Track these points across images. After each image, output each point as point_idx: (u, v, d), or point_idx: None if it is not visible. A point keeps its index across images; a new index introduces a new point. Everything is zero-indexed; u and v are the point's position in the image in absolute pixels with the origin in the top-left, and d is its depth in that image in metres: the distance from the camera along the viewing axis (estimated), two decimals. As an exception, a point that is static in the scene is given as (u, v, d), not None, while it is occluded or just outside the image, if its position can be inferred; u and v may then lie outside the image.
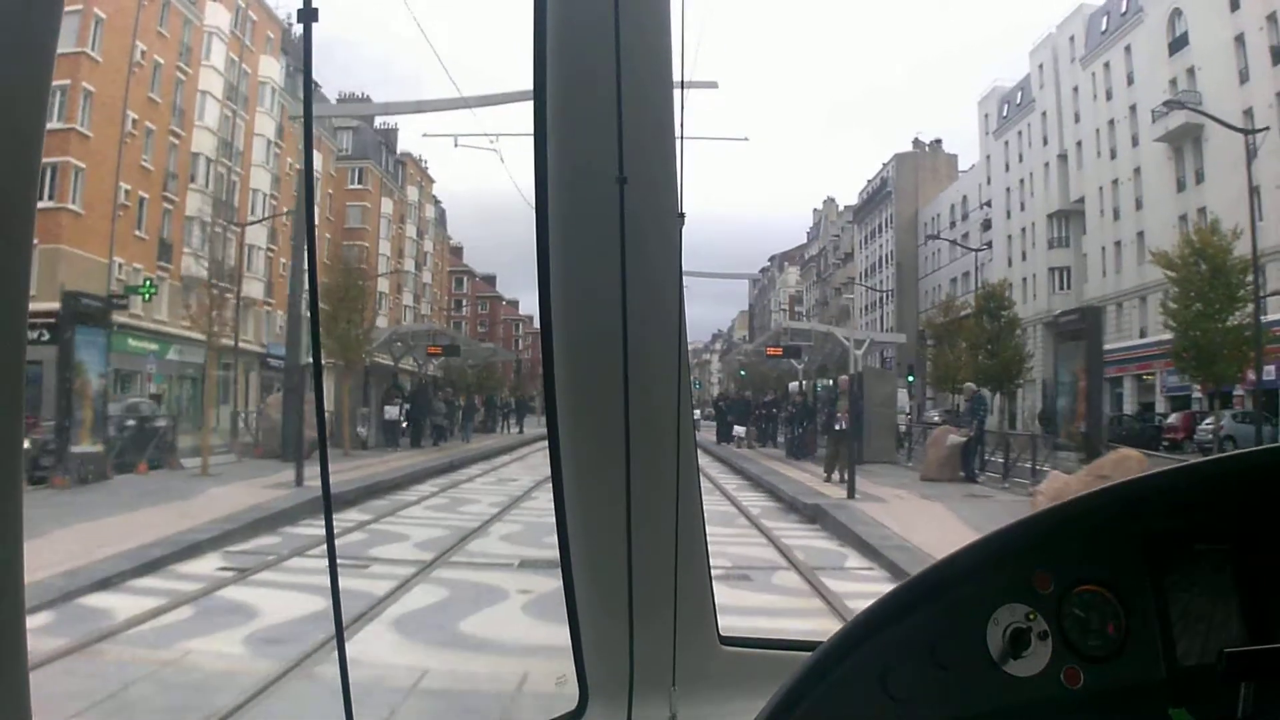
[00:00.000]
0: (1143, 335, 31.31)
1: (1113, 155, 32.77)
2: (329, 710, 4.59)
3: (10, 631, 1.21)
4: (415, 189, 48.97)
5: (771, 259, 62.88)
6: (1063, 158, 35.68)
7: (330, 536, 1.41)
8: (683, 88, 1.65)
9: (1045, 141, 36.60)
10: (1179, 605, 1.02)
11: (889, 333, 29.86)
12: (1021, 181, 37.57)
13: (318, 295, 1.77)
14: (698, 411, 38.56)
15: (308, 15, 1.31)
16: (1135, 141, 31.62)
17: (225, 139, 37.07)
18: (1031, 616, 1.03)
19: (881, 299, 46.94)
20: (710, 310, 60.68)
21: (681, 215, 1.71)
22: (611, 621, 1.69)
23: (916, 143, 49.03)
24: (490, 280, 58.48)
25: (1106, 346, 34.42)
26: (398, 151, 48.85)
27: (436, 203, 52.35)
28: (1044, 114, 36.66)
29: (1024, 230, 37.20)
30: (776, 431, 24.31)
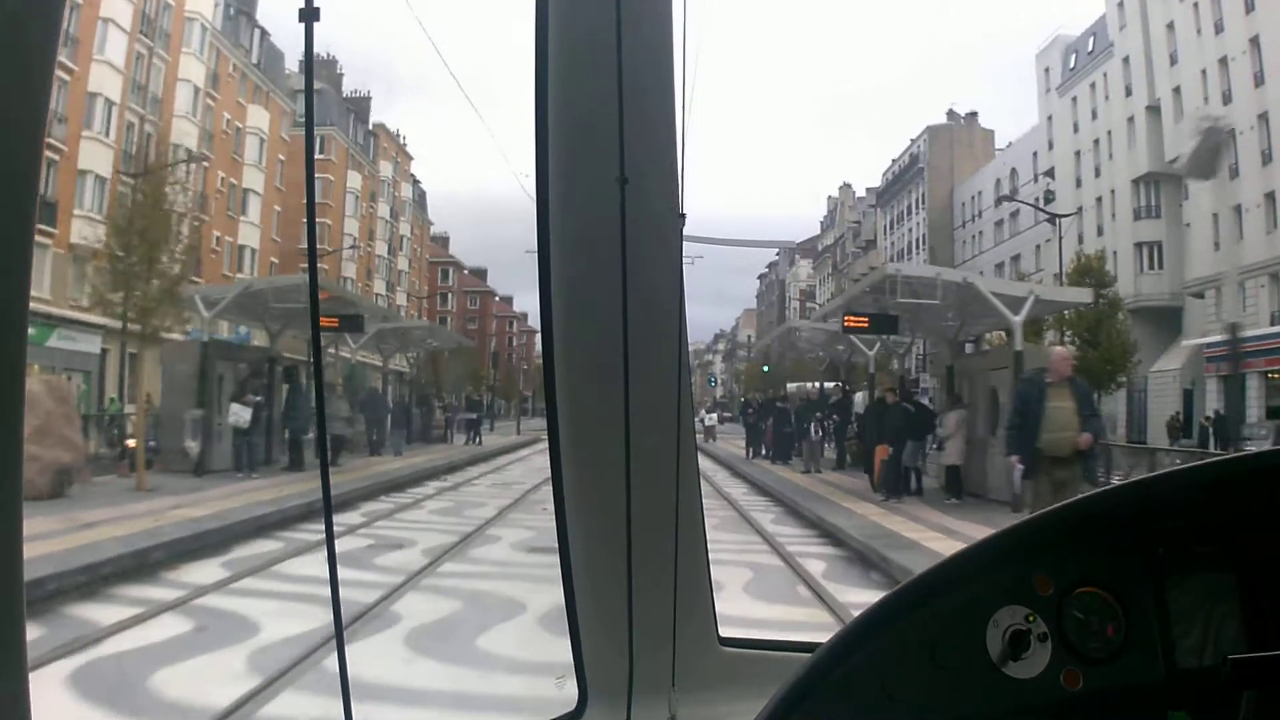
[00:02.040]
0: (1276, 322, 22.09)
1: (1226, 100, 23.86)
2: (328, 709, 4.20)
3: (10, 631, 1.18)
4: (389, 165, 39.97)
5: (781, 252, 54.28)
6: (1154, 110, 27.04)
7: (330, 537, 1.49)
8: (684, 87, 1.59)
9: (1129, 92, 28.20)
10: (1179, 607, 1.01)
11: (1066, 288, 21.27)
12: (1096, 142, 29.33)
13: (317, 296, 2.07)
14: (714, 416, 30.30)
15: (309, 15, 1.28)
16: (1260, 79, 22.61)
17: (137, 81, 27.32)
18: (1031, 618, 1.01)
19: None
20: (711, 311, 57.29)
21: (682, 215, 1.64)
22: (611, 622, 1.65)
23: (951, 114, 40.30)
24: (481, 274, 49.69)
25: (1221, 338, 25.16)
26: (370, 122, 39.37)
27: (416, 182, 44.07)
28: (1126, 60, 28.10)
29: (1099, 200, 28.82)
30: (823, 447, 15.89)
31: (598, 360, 1.62)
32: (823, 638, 1.05)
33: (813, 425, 18.49)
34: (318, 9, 1.24)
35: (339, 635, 1.40)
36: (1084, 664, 1.00)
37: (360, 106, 42.86)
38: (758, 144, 59.04)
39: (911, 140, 46.27)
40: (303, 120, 40.89)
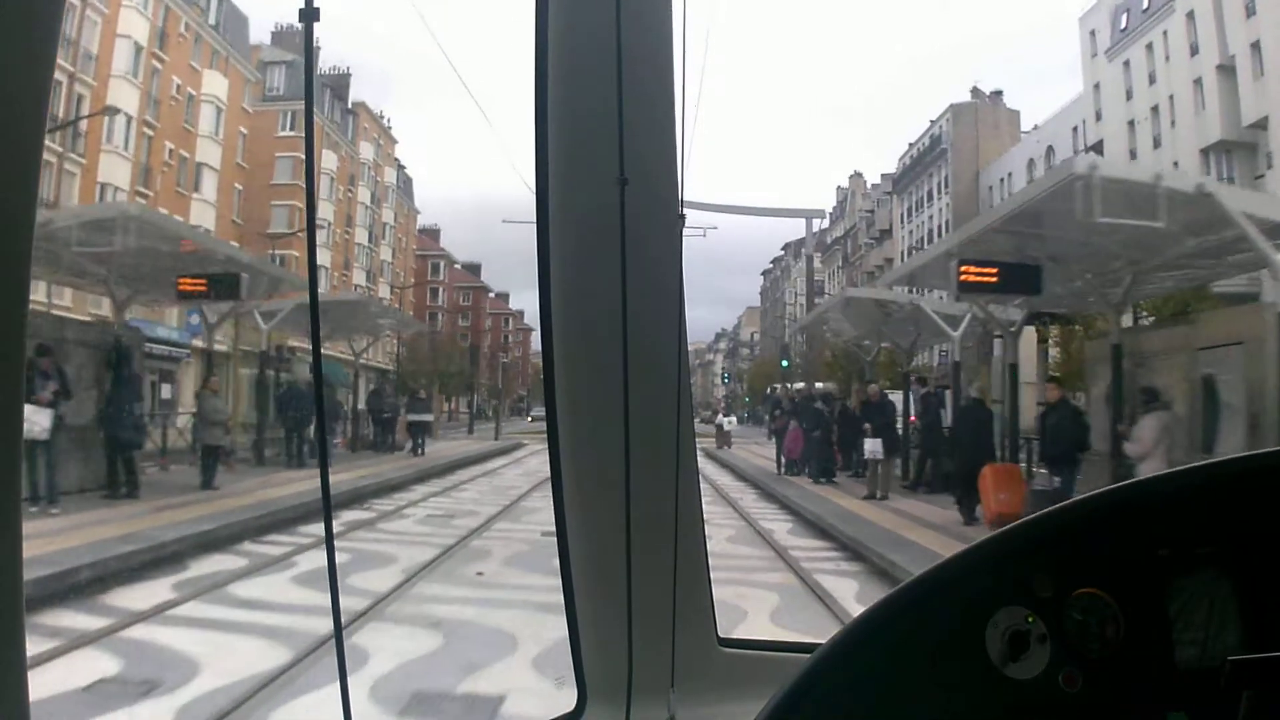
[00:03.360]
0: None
1: (1319, 52, 19.48)
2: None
3: (10, 630, 1.19)
4: (371, 146, 35.29)
5: (785, 246, 51.96)
6: (1226, 69, 22.32)
7: (329, 537, 1.36)
8: (684, 87, 1.58)
9: (1194, 51, 23.48)
10: (1178, 609, 1.01)
11: None
12: (1155, 110, 24.50)
13: (317, 293, 1.63)
14: (732, 419, 25.89)
15: (309, 15, 1.24)
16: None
17: (67, 34, 21.79)
18: (1030, 619, 1.01)
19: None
20: (711, 312, 56.06)
21: (682, 216, 1.64)
22: (610, 622, 1.64)
23: (975, 92, 36.20)
24: (474, 269, 45.59)
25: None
26: (349, 100, 34.73)
27: (401, 167, 39.35)
28: (1190, 15, 23.47)
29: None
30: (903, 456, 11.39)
31: (598, 361, 1.62)
32: (822, 638, 1.05)
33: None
34: (318, 9, 1.21)
35: (338, 635, 1.38)
36: (1083, 665, 1.00)
37: (339, 83, 38.45)
38: (760, 142, 56.10)
39: (931, 121, 41.97)
40: (272, 95, 36.41)
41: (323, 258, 36.00)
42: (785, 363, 27.62)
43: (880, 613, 1.02)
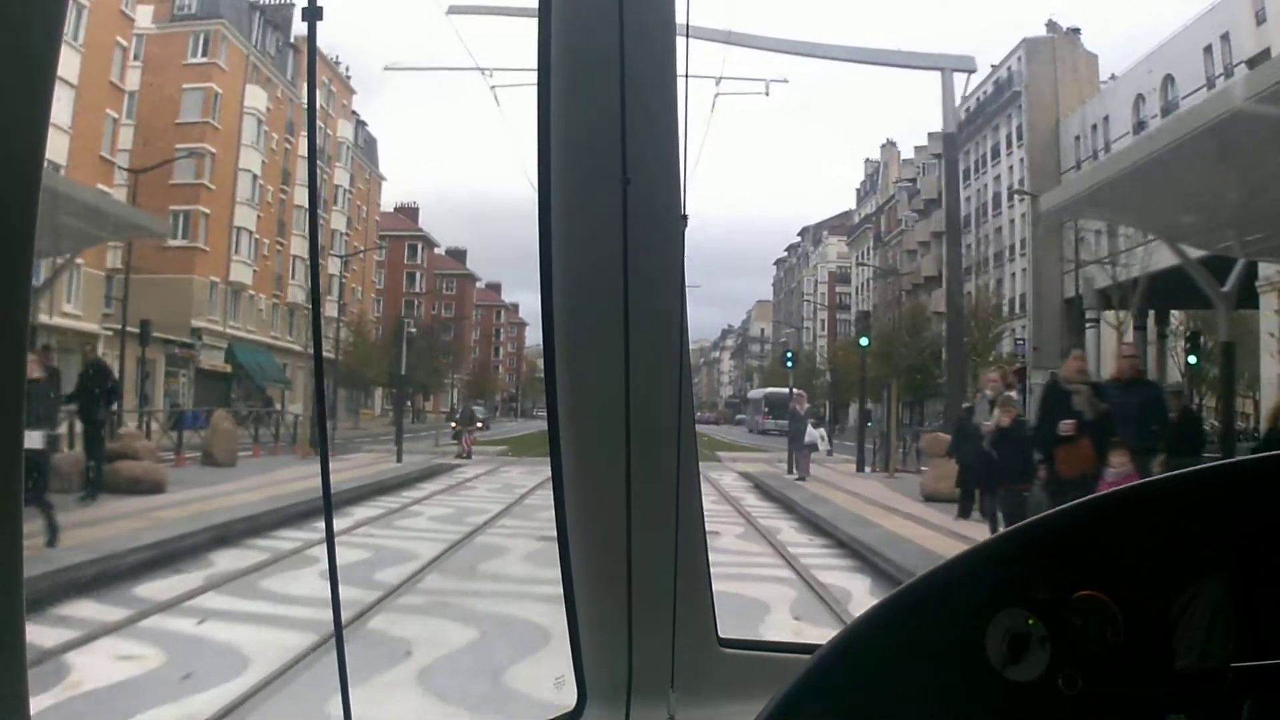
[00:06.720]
0: None
1: None
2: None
3: (10, 630, 1.18)
4: (319, 91, 24.62)
5: (803, 232, 50.91)
6: None
7: (330, 537, 1.31)
8: (687, 88, 1.61)
9: None
10: (1179, 612, 1.00)
11: None
12: None
13: (319, 288, 1.35)
14: (823, 432, 16.38)
15: (312, 14, 1.21)
16: None
17: None
18: (1031, 621, 1.00)
19: (1009, 251, 29.08)
20: (714, 313, 52.53)
21: (684, 216, 1.63)
22: (610, 622, 1.65)
23: (1051, 26, 26.60)
24: (459, 256, 35.99)
25: None
26: (291, 34, 23.67)
27: (360, 124, 29.91)
28: None
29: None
30: None
31: (599, 361, 1.61)
32: (823, 639, 1.04)
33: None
34: (321, 8, 1.16)
35: (338, 635, 1.35)
36: (1083, 668, 0.97)
37: (280, 16, 28.88)
38: (765, 134, 49.68)
39: (993, 66, 32.67)
40: (182, 14, 26.84)
41: (245, 218, 27.16)
42: (865, 340, 19.40)
43: (881, 614, 1.02)
